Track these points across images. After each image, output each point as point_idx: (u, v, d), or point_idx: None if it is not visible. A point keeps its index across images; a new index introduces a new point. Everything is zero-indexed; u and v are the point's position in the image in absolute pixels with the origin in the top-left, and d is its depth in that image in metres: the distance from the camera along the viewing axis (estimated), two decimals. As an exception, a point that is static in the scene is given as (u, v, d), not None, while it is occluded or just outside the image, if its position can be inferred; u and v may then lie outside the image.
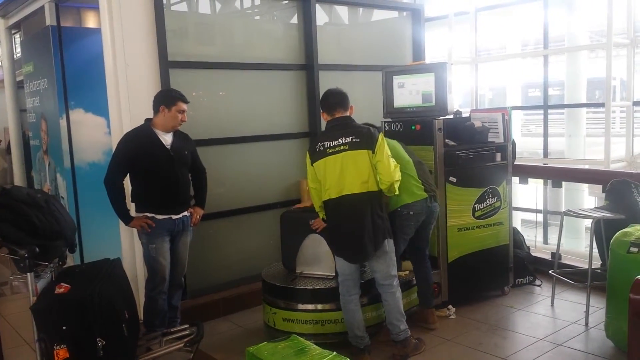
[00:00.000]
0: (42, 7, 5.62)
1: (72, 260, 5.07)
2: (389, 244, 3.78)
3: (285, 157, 5.48)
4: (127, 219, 3.92)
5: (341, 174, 3.63)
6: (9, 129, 7.29)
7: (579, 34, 8.83)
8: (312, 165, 3.75)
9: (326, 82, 5.60)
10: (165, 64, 4.54)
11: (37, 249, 3.09)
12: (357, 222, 3.65)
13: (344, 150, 3.64)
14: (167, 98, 3.90)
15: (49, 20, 5.49)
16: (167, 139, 3.92)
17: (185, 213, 4.07)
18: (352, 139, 3.65)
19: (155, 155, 3.86)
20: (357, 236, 3.67)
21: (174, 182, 3.93)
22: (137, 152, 3.84)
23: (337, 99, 3.81)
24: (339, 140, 3.67)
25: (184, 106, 3.91)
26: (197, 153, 4.20)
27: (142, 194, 3.94)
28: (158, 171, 3.87)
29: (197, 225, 4.24)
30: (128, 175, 3.94)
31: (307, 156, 3.81)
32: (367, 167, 3.63)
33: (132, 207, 4.01)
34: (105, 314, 3.09)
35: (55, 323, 3.00)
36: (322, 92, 5.44)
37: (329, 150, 3.67)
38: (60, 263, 3.46)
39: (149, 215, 3.90)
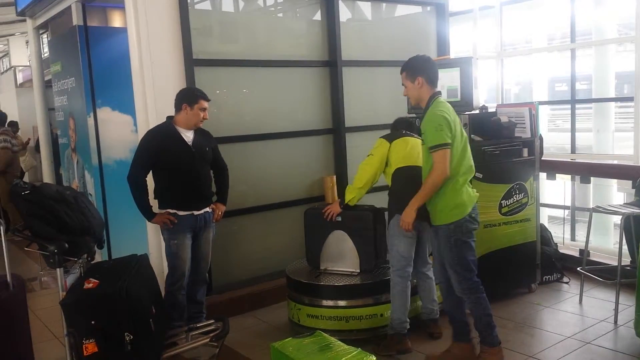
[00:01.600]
0: (69, 7, 5.70)
1: (100, 256, 5.15)
2: None
3: (309, 154, 5.48)
4: (150, 216, 3.97)
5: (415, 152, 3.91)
6: (38, 128, 7.41)
7: (607, 27, 8.64)
8: (390, 142, 3.96)
9: (350, 78, 5.60)
10: (190, 62, 4.58)
11: (66, 245, 3.14)
12: None
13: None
14: (189, 96, 3.94)
15: (76, 20, 5.57)
16: (189, 135, 3.96)
17: (207, 209, 4.10)
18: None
19: (177, 152, 3.90)
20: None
21: (195, 178, 3.97)
22: (159, 149, 3.89)
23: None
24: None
25: (206, 104, 3.96)
26: (218, 150, 4.23)
27: (165, 191, 3.99)
28: (180, 168, 3.91)
29: (220, 222, 4.26)
30: (151, 172, 3.98)
31: (381, 140, 4.02)
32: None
33: (154, 203, 4.05)
34: (133, 309, 3.13)
35: (84, 318, 3.06)
36: (345, 88, 5.50)
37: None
38: (89, 259, 3.52)
39: (171, 211, 3.94)
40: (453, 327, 3.78)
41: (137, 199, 3.93)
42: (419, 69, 3.56)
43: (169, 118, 4.01)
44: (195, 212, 4.00)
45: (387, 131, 4.23)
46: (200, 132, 4.05)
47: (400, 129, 4.17)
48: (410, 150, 3.96)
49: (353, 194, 4.06)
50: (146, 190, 3.95)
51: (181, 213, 3.95)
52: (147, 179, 3.97)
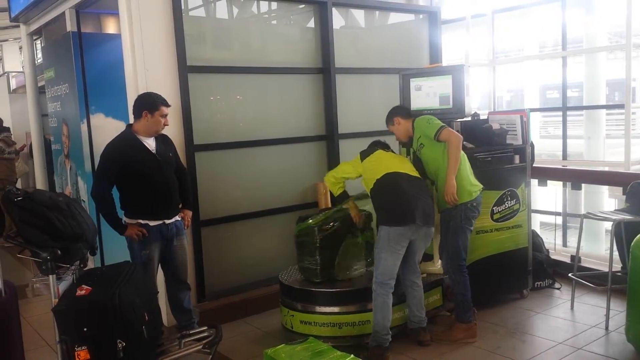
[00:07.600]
0: (63, 14, 5.71)
1: (93, 262, 5.14)
2: None
3: (302, 161, 5.50)
4: (122, 229, 3.84)
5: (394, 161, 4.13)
6: (31, 134, 7.40)
7: (598, 35, 8.72)
8: (362, 159, 4.18)
9: (343, 85, 5.63)
10: (184, 69, 4.59)
11: (59, 252, 3.14)
12: (417, 188, 3.98)
13: None
14: (149, 103, 3.82)
15: (70, 26, 5.58)
16: (150, 143, 3.87)
17: (177, 217, 4.02)
18: None
19: (143, 162, 3.80)
20: (423, 197, 3.96)
21: (164, 187, 3.88)
22: (124, 161, 3.77)
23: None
24: None
25: (167, 110, 3.86)
26: (177, 153, 4.15)
27: (133, 202, 3.88)
28: (148, 178, 3.81)
29: (213, 228, 4.24)
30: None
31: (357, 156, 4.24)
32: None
33: (120, 214, 3.94)
34: (126, 316, 3.12)
35: (76, 325, 3.04)
36: (338, 95, 5.52)
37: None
38: (82, 265, 3.51)
39: (142, 222, 3.84)
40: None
41: (106, 215, 3.83)
42: (390, 114, 4.29)
43: (129, 126, 3.91)
44: (167, 221, 3.93)
45: (380, 138, 4.27)
46: (160, 139, 3.95)
47: (374, 146, 4.26)
48: (386, 161, 4.07)
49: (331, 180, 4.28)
50: (114, 203, 3.83)
51: (152, 223, 3.87)
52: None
